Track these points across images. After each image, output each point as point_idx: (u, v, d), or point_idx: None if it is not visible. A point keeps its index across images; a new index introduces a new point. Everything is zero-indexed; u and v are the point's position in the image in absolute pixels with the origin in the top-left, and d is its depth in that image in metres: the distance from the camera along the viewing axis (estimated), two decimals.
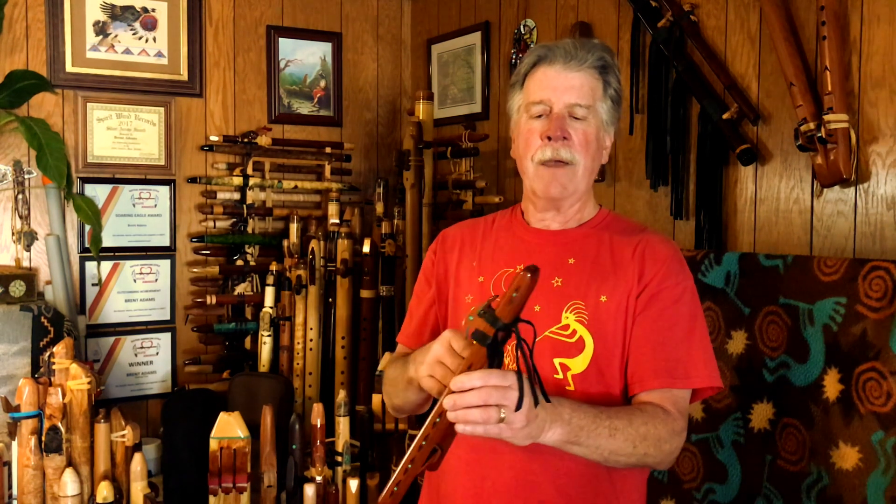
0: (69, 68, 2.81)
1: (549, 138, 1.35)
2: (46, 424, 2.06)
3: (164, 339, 3.00)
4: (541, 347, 1.33)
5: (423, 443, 1.14)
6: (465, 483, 1.37)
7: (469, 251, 1.49)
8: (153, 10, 2.94)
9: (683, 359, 1.31)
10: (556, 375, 1.32)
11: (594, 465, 1.33)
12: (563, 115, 1.35)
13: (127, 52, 2.90)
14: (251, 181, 3.03)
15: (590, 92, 1.36)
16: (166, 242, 2.99)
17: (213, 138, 3.02)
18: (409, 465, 1.15)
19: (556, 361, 1.32)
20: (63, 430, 2.07)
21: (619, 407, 1.30)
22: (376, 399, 2.55)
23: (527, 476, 1.33)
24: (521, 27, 2.82)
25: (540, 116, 1.37)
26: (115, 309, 2.91)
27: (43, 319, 2.43)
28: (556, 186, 1.37)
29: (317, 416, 2.26)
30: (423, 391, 1.30)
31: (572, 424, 1.18)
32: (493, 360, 1.11)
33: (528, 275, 1.06)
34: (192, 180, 3.00)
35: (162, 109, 2.96)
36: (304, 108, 3.26)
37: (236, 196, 3.04)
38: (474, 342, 1.11)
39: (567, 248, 1.41)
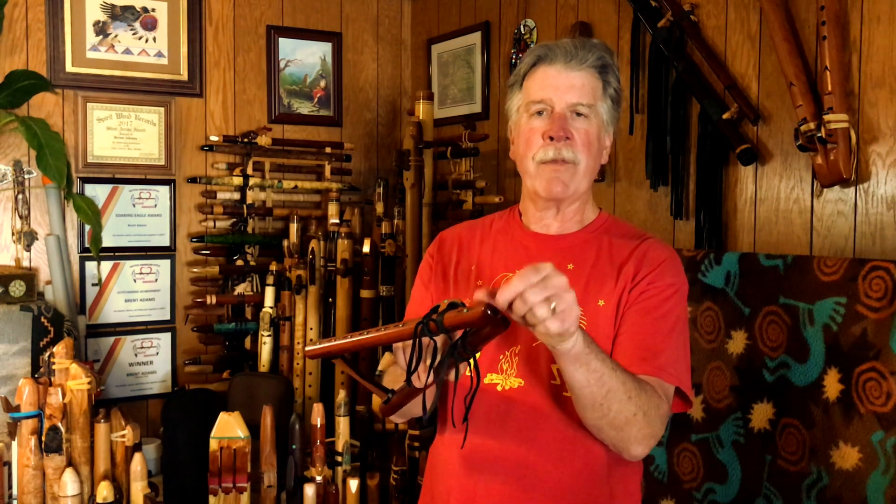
0: (69, 68, 2.81)
1: (552, 138, 1.34)
2: (46, 424, 2.05)
3: (164, 339, 3.00)
4: (539, 353, 1.33)
5: (367, 334, 1.15)
6: (458, 486, 1.37)
7: (467, 254, 1.48)
8: (153, 10, 2.94)
9: (665, 352, 1.31)
10: (553, 381, 1.32)
11: (588, 469, 1.32)
12: (564, 115, 1.35)
13: (127, 52, 2.90)
14: (251, 181, 3.03)
15: (591, 91, 1.36)
16: (166, 242, 2.99)
17: (213, 138, 3.02)
18: (349, 337, 1.17)
19: (554, 367, 1.31)
20: (63, 430, 2.07)
21: None
22: (376, 399, 2.54)
23: (520, 480, 1.32)
24: (521, 27, 2.82)
25: (541, 114, 1.36)
26: (115, 309, 2.91)
27: (43, 319, 2.43)
28: (559, 184, 1.36)
29: (317, 416, 2.26)
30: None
31: (591, 346, 1.16)
32: (414, 342, 1.11)
33: (487, 311, 1.03)
34: (192, 180, 3.00)
35: (162, 109, 2.96)
36: (304, 108, 3.26)
37: (236, 196, 3.04)
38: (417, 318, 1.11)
39: (566, 253, 1.40)
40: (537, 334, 1.10)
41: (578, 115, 1.35)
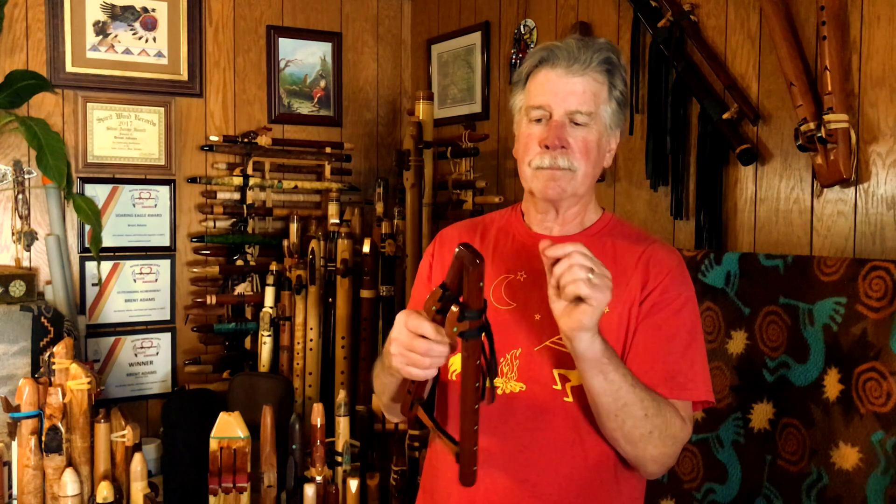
0: (69, 68, 2.81)
1: (548, 147, 1.32)
2: (46, 424, 2.05)
3: (164, 339, 3.00)
4: (540, 358, 1.32)
5: (476, 427, 1.19)
6: (459, 488, 1.36)
7: None
8: (153, 10, 2.94)
9: (684, 370, 1.30)
10: (554, 386, 1.30)
11: (589, 474, 1.32)
12: (562, 123, 1.32)
13: (127, 52, 2.90)
14: (251, 181, 3.03)
15: (592, 97, 1.32)
16: (166, 242, 2.99)
17: (213, 138, 3.02)
18: (476, 427, 1.19)
19: (556, 372, 1.30)
20: (63, 430, 2.07)
21: None
22: (376, 399, 2.55)
23: (520, 484, 1.31)
24: (521, 27, 2.82)
25: (539, 121, 1.34)
26: (115, 309, 2.91)
27: (43, 319, 2.43)
28: (554, 188, 1.34)
29: (317, 416, 2.26)
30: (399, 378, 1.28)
31: (612, 357, 1.20)
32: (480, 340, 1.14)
33: (478, 260, 1.06)
34: (192, 180, 3.00)
35: (162, 109, 2.96)
36: (304, 108, 3.26)
37: (236, 196, 3.04)
38: (465, 340, 1.13)
39: None
40: (560, 318, 1.15)
41: (577, 123, 1.32)
